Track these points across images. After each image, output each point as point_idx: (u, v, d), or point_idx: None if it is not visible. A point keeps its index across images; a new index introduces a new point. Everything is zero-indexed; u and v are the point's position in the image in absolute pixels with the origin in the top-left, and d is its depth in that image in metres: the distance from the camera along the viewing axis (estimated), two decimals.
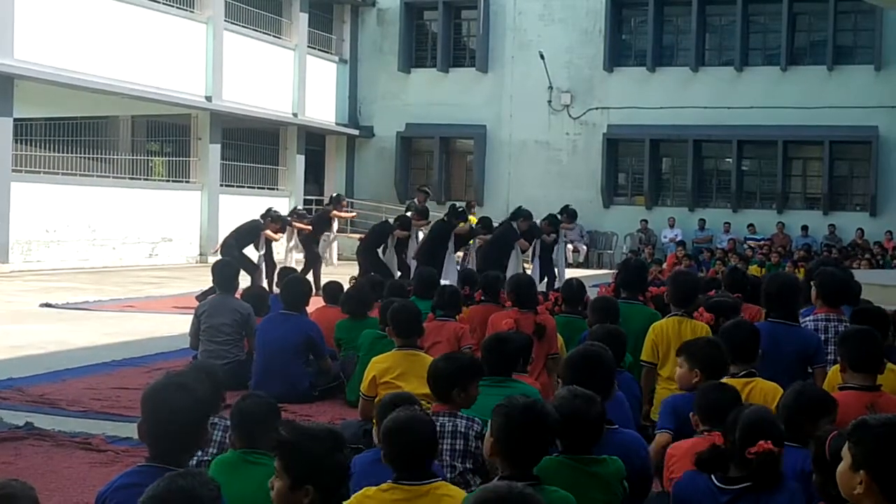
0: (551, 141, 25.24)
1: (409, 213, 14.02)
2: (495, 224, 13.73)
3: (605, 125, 24.85)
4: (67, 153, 19.23)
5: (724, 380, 4.50)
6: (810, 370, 5.28)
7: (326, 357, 7.24)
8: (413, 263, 12.90)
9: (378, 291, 8.11)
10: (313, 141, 25.86)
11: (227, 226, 15.99)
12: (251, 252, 13.44)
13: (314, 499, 2.75)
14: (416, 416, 3.31)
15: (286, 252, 14.41)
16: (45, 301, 12.71)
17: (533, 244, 13.36)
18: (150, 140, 23.16)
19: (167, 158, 22.11)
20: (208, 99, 21.14)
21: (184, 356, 8.06)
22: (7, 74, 16.54)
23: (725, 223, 23.67)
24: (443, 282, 9.14)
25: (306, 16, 24.61)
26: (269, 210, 13.89)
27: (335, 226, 15.30)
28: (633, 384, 5.19)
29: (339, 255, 16.36)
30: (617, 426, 3.87)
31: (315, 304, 8.09)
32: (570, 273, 13.72)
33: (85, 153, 19.71)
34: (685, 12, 24.24)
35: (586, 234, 24.62)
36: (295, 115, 24.24)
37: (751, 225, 23.49)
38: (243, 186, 22.73)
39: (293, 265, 12.94)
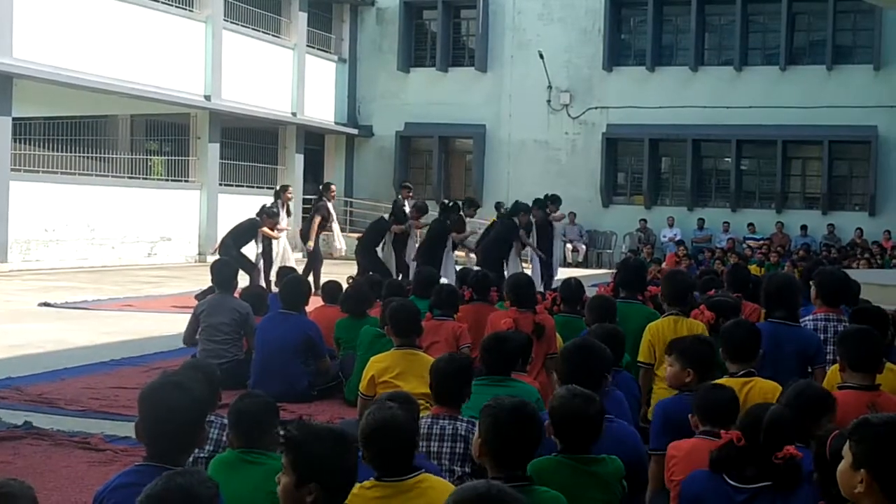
0: (550, 140, 25.24)
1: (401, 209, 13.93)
2: (485, 221, 13.72)
3: (604, 125, 24.85)
4: (66, 152, 19.22)
5: (723, 380, 4.50)
6: (810, 370, 5.27)
7: (325, 357, 7.24)
8: (412, 264, 12.88)
9: (377, 291, 8.10)
10: (312, 140, 25.85)
11: (226, 225, 15.93)
12: (251, 250, 13.43)
13: (318, 497, 2.75)
14: (393, 416, 3.26)
15: (282, 251, 14.12)
16: (44, 300, 12.71)
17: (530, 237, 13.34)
18: (149, 139, 23.15)
19: (166, 158, 22.10)
20: (207, 98, 21.13)
21: (183, 355, 8.04)
22: (6, 73, 16.53)
23: (724, 223, 23.68)
24: (441, 280, 9.13)
25: (305, 15, 24.61)
26: (264, 207, 13.85)
27: (334, 224, 14.89)
28: (631, 384, 5.19)
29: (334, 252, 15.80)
30: (612, 416, 3.87)
31: (314, 303, 8.08)
32: (570, 273, 13.73)
33: (84, 152, 19.70)
34: (684, 12, 24.24)
35: (585, 233, 24.64)
36: (294, 114, 24.24)
37: (751, 224, 23.50)
38: (242, 186, 22.72)
39: (292, 264, 12.91)
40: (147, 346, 9.25)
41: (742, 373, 4.54)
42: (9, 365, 8.02)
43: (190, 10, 20.93)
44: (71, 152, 19.34)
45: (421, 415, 4.08)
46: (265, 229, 13.40)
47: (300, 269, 12.34)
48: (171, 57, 20.18)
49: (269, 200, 14.64)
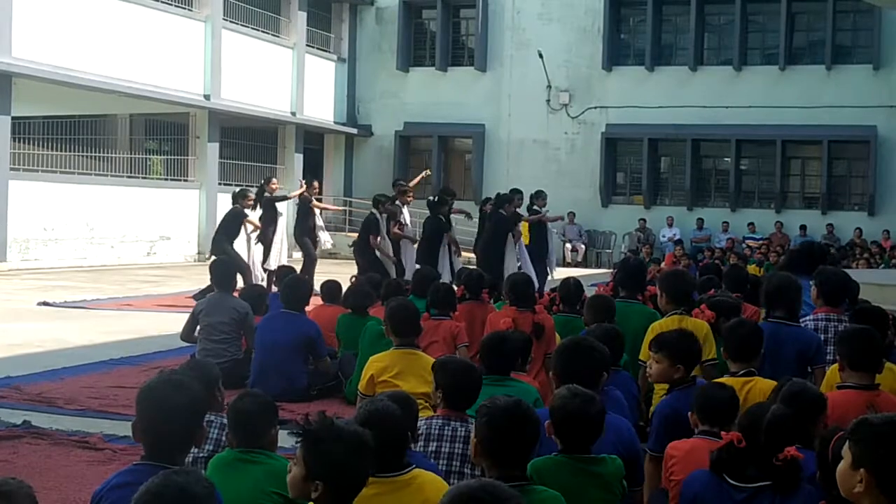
0: (550, 140, 25.25)
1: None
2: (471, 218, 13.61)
3: (603, 124, 24.86)
4: (65, 151, 19.23)
5: (724, 379, 4.50)
6: (810, 370, 5.27)
7: (325, 357, 7.24)
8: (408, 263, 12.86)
9: (377, 290, 8.11)
10: (312, 140, 25.85)
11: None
12: (253, 249, 13.39)
13: (323, 494, 2.74)
14: (386, 408, 3.25)
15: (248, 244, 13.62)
16: (43, 299, 12.70)
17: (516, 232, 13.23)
18: (149, 138, 23.16)
19: (165, 157, 22.11)
20: (206, 97, 21.13)
21: (182, 354, 8.05)
22: (5, 72, 16.52)
23: (724, 222, 23.69)
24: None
25: (305, 14, 24.61)
26: (240, 191, 13.67)
27: (318, 220, 14.16)
28: (630, 383, 5.18)
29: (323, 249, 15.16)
30: (608, 411, 3.87)
31: (312, 303, 8.07)
32: (569, 272, 13.70)
33: (83, 151, 19.71)
34: (684, 11, 24.25)
35: (585, 233, 24.65)
36: (293, 113, 24.23)
37: (751, 224, 23.51)
38: (242, 185, 22.64)
39: (285, 262, 12.88)
40: (146, 346, 9.25)
41: (743, 372, 4.54)
42: (8, 364, 8.02)
43: (189, 10, 20.93)
44: (70, 151, 19.35)
45: (420, 415, 4.07)
46: (247, 211, 13.21)
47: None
48: (171, 56, 20.18)
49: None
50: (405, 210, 13.34)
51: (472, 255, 14.56)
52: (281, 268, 10.84)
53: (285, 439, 3.94)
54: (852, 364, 4.30)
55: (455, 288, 7.69)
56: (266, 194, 13.58)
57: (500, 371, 4.77)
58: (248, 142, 23.49)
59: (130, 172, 20.74)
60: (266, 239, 13.50)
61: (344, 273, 12.43)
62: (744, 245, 22.10)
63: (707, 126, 23.82)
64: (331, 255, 19.28)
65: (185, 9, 20.80)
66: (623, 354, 5.47)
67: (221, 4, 21.49)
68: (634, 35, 25.25)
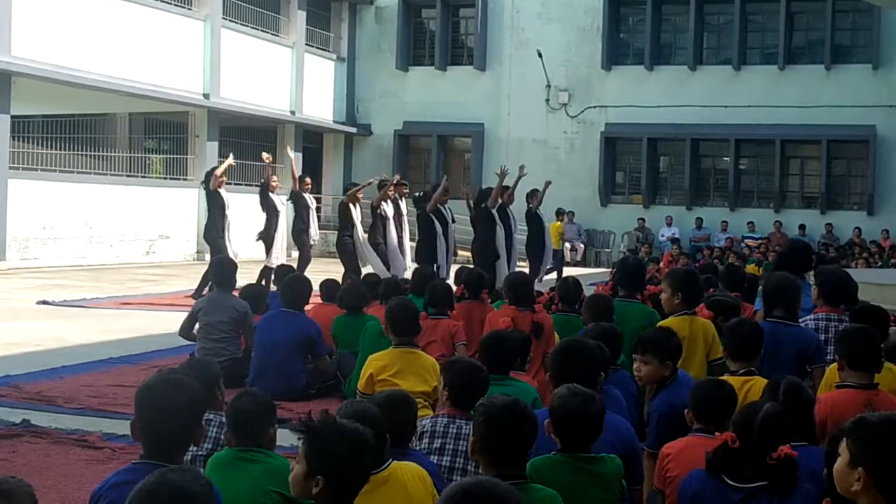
0: (549, 139, 25.26)
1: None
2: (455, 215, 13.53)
3: (602, 124, 24.87)
4: (65, 150, 19.23)
5: (726, 377, 4.50)
6: (808, 369, 5.27)
7: (325, 356, 7.24)
8: (401, 259, 12.92)
9: (374, 290, 8.11)
10: (311, 139, 25.85)
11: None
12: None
13: (324, 490, 2.75)
14: (366, 409, 3.25)
15: (279, 248, 13.55)
16: (42, 298, 12.70)
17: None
18: (148, 137, 23.17)
19: (164, 156, 22.11)
20: (206, 96, 21.13)
21: (181, 353, 8.05)
22: (5, 71, 16.52)
23: (723, 222, 23.71)
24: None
25: (304, 13, 24.61)
26: (208, 172, 13.59)
27: (311, 216, 13.88)
28: (629, 382, 5.18)
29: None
30: (607, 410, 3.87)
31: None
32: (568, 272, 13.70)
33: (82, 150, 19.71)
34: (683, 11, 24.26)
35: (584, 232, 24.65)
36: (293, 112, 24.24)
37: (750, 223, 23.52)
38: (241, 184, 22.66)
39: (285, 260, 12.86)
40: (145, 345, 9.25)
41: (743, 371, 4.54)
42: (7, 363, 8.01)
43: (189, 9, 20.93)
44: (69, 150, 19.35)
45: (420, 414, 4.08)
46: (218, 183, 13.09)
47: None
48: (170, 55, 20.18)
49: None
50: (385, 205, 13.23)
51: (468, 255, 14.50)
52: (280, 266, 10.83)
53: (284, 438, 3.94)
54: (851, 363, 4.30)
55: (453, 287, 7.69)
56: (270, 194, 13.52)
57: (499, 370, 4.77)
58: (248, 141, 23.45)
59: (130, 171, 20.74)
60: (267, 236, 13.47)
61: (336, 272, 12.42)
62: (743, 244, 22.12)
63: (706, 125, 23.83)
64: (329, 253, 19.26)
65: (184, 8, 20.80)
66: (621, 354, 5.47)
67: (221, 3, 21.49)
68: (634, 34, 25.26)
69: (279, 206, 13.49)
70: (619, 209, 24.83)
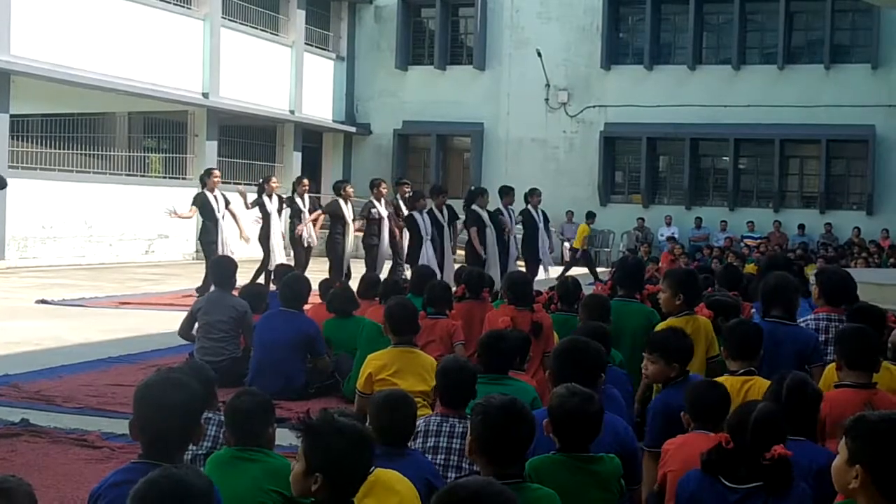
0: (548, 139, 25.26)
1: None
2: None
3: (602, 123, 24.87)
4: (64, 149, 19.22)
5: (724, 377, 4.51)
6: (808, 368, 5.27)
7: (324, 355, 7.24)
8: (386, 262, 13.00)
9: (374, 289, 8.12)
10: (310, 138, 25.85)
11: (224, 224, 15.68)
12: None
13: (323, 487, 2.76)
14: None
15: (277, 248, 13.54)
16: (41, 297, 12.69)
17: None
18: (147, 137, 23.16)
19: (164, 155, 22.10)
20: (205, 96, 21.13)
21: (180, 353, 8.05)
22: (4, 70, 16.53)
23: (722, 221, 23.72)
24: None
25: (303, 13, 24.61)
26: (206, 171, 13.57)
27: (305, 217, 13.62)
28: (624, 380, 5.18)
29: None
30: (605, 409, 3.88)
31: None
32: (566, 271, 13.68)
33: (81, 149, 19.71)
34: (682, 10, 24.26)
35: None
36: (292, 112, 24.23)
37: (749, 222, 23.53)
38: (240, 184, 22.68)
39: (283, 261, 12.83)
40: (144, 344, 9.24)
41: (742, 371, 4.54)
42: (6, 362, 8.01)
43: (188, 8, 20.93)
44: (68, 149, 19.34)
45: (419, 413, 4.09)
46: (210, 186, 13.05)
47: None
48: (170, 54, 20.18)
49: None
50: (379, 205, 13.25)
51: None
52: (279, 266, 10.83)
53: (284, 437, 3.93)
54: (849, 363, 4.31)
55: (452, 286, 7.69)
56: (264, 194, 13.43)
57: (498, 370, 4.77)
58: (247, 140, 23.49)
59: (129, 171, 20.74)
60: (264, 239, 13.43)
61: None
62: (742, 244, 22.11)
63: (705, 125, 23.84)
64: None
65: (183, 7, 20.80)
66: (610, 351, 5.47)
67: (220, 3, 21.50)
68: (633, 34, 25.26)
69: (270, 209, 13.31)
70: (619, 209, 24.84)
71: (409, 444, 3.84)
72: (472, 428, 3.21)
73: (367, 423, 3.70)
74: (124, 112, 21.76)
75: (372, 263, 12.92)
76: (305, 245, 13.49)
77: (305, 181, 14.11)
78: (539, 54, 24.46)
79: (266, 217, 13.26)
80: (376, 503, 3.18)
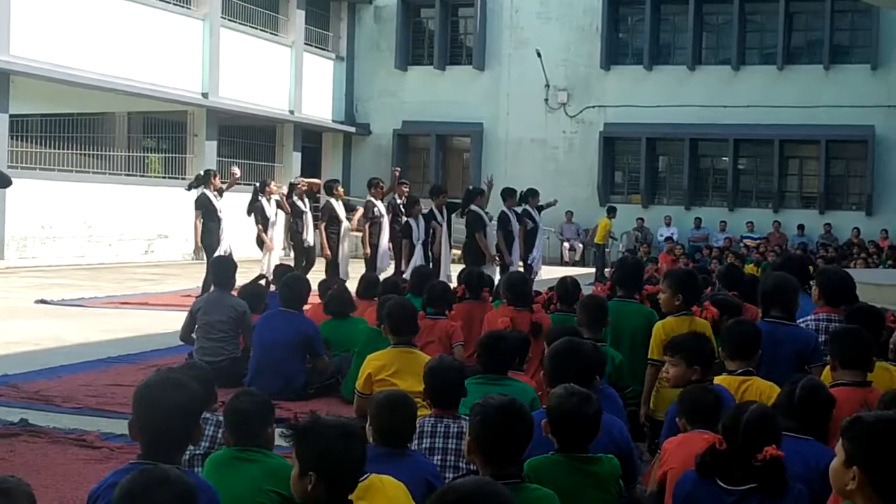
0: (548, 139, 25.26)
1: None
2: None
3: (601, 123, 24.87)
4: (63, 149, 19.22)
5: (721, 377, 4.51)
6: (807, 368, 5.27)
7: (323, 356, 7.24)
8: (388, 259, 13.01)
9: (373, 289, 8.12)
10: (310, 138, 25.85)
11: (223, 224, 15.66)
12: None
13: (317, 486, 2.76)
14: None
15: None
16: (41, 297, 12.69)
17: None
18: (147, 137, 23.15)
19: (163, 155, 22.11)
20: (205, 96, 21.12)
21: (179, 353, 8.05)
22: (3, 70, 16.53)
23: (721, 222, 23.72)
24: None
25: (303, 13, 24.61)
26: (205, 172, 13.58)
27: (307, 218, 13.50)
28: (617, 401, 5.09)
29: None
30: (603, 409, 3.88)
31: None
32: (566, 271, 13.69)
33: (81, 149, 19.70)
34: (682, 11, 24.26)
35: (582, 232, 24.64)
36: (291, 112, 24.23)
37: (749, 223, 23.53)
38: (239, 184, 22.67)
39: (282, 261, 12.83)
40: (143, 344, 9.24)
41: (741, 371, 4.55)
42: (5, 362, 8.01)
43: (188, 8, 20.93)
44: (68, 149, 19.34)
45: (419, 413, 4.09)
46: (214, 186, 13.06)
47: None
48: (169, 54, 20.18)
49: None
50: (380, 204, 13.29)
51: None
52: (279, 266, 10.82)
53: (282, 438, 3.94)
54: (844, 363, 4.33)
55: (451, 287, 7.70)
56: (260, 197, 13.40)
57: (498, 370, 4.77)
58: (247, 140, 23.48)
59: (128, 171, 20.74)
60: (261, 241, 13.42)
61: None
62: (741, 244, 22.12)
63: (705, 125, 23.84)
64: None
65: (183, 7, 20.80)
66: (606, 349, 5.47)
67: (220, 3, 21.50)
68: (633, 34, 25.27)
69: (268, 212, 13.30)
70: (618, 209, 24.78)
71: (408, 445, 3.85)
72: (470, 428, 3.21)
73: (367, 424, 3.72)
74: (124, 112, 21.76)
75: (372, 263, 12.94)
76: (308, 245, 13.50)
77: (302, 181, 14.16)
78: (539, 54, 24.46)
79: (265, 222, 13.26)
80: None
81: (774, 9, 23.59)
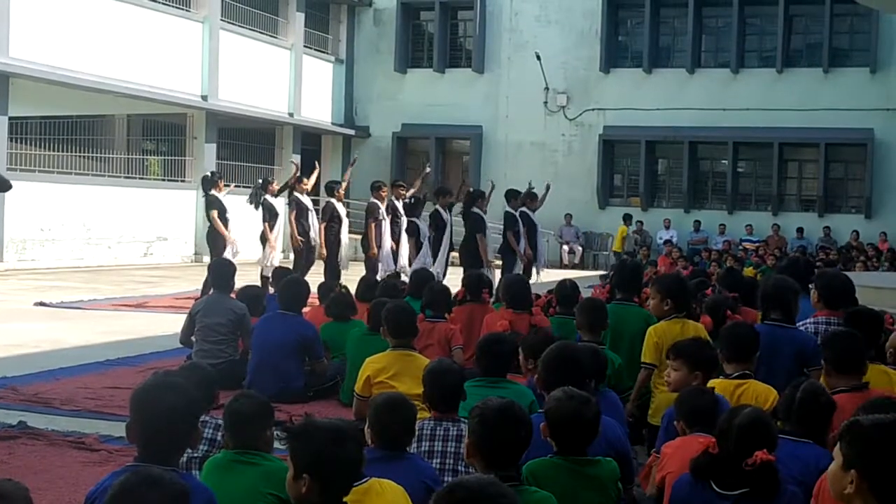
0: (547, 142, 25.25)
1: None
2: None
3: (600, 126, 24.87)
4: (63, 152, 19.21)
5: (718, 381, 4.51)
6: (806, 372, 5.27)
7: (322, 358, 7.24)
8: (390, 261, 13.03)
9: (373, 291, 8.12)
10: (309, 141, 25.84)
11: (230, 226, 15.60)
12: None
13: (311, 488, 2.76)
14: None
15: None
16: (40, 300, 12.69)
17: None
18: (146, 139, 23.14)
19: (163, 157, 22.10)
20: (204, 98, 21.13)
21: (178, 356, 8.04)
22: (2, 73, 16.53)
23: (721, 225, 23.71)
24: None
25: (303, 15, 24.61)
26: (211, 175, 13.63)
27: (312, 216, 13.36)
28: (619, 405, 5.09)
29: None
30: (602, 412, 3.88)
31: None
32: (565, 274, 13.69)
33: (80, 152, 19.69)
34: (681, 14, 24.26)
35: (582, 234, 24.66)
36: (291, 114, 24.23)
37: (748, 226, 23.53)
38: (239, 186, 22.69)
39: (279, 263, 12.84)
40: (142, 347, 9.24)
41: (737, 374, 4.55)
42: (4, 364, 8.01)
43: (187, 10, 20.93)
44: (67, 152, 19.32)
45: (419, 416, 4.09)
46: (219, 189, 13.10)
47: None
48: (168, 57, 20.18)
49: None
50: (382, 207, 13.31)
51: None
52: (278, 269, 10.83)
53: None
54: (838, 367, 4.33)
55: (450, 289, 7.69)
56: (266, 196, 13.43)
57: (496, 373, 4.77)
58: (246, 143, 23.48)
59: (128, 173, 20.73)
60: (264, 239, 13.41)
61: (346, 274, 12.41)
62: (740, 247, 22.12)
63: (704, 128, 23.84)
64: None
65: (182, 9, 20.80)
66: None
67: (219, 5, 21.49)
68: (632, 37, 25.27)
69: (278, 210, 13.43)
70: (617, 212, 24.81)
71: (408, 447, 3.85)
72: (469, 431, 3.22)
73: (366, 427, 3.72)
74: (123, 114, 21.74)
75: (372, 265, 12.95)
76: (315, 243, 13.51)
77: (305, 180, 14.13)
78: (538, 57, 24.46)
79: (275, 217, 13.30)
80: None
81: (774, 12, 23.59)
